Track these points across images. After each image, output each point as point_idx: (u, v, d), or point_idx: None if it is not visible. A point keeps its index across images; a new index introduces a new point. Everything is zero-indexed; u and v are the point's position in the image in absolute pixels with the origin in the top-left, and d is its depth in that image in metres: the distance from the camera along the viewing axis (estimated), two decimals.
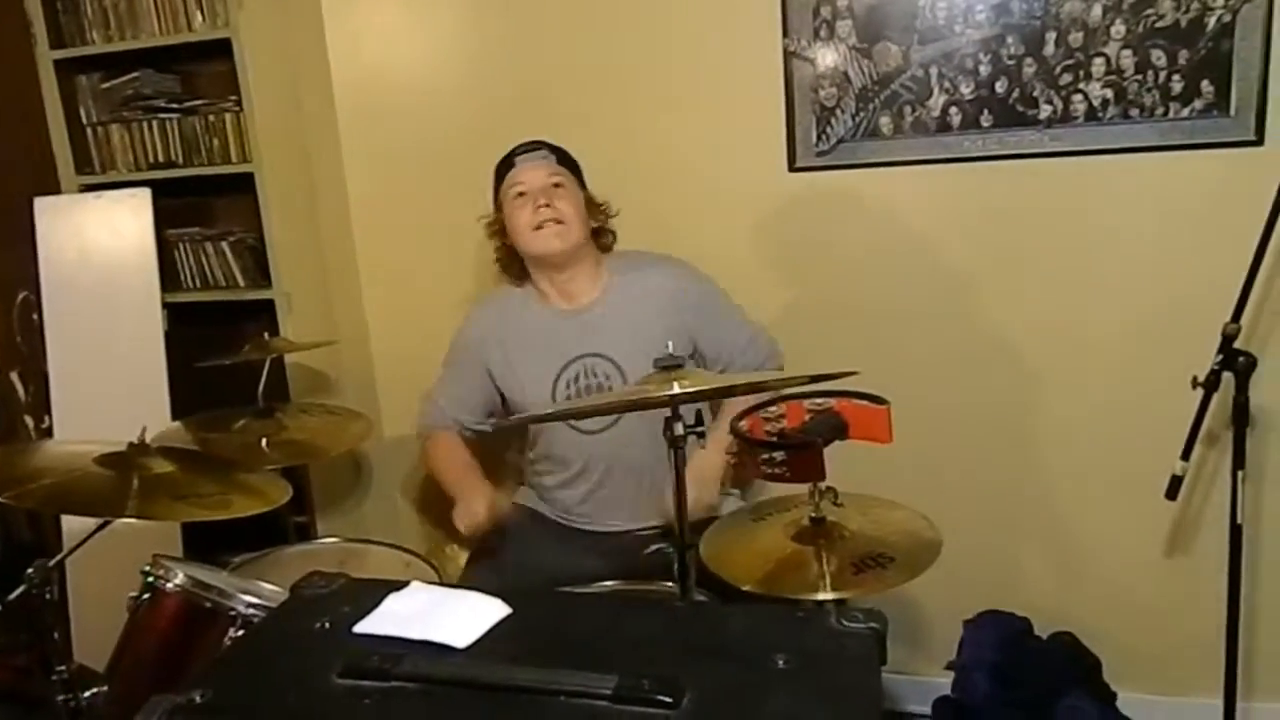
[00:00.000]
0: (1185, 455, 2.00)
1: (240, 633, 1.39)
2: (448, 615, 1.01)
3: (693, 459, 1.83)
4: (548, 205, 2.04)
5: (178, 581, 1.45)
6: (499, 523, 2.04)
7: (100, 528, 1.61)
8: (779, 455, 1.38)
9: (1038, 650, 2.32)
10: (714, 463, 1.99)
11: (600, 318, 2.12)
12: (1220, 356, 1.94)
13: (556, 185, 2.08)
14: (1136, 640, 2.37)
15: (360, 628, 1.02)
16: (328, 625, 1.02)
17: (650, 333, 1.93)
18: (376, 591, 1.07)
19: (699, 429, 1.34)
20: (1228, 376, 1.95)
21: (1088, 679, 2.29)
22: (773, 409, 1.52)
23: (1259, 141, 2.09)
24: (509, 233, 2.13)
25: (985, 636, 2.32)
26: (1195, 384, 1.97)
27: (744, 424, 1.50)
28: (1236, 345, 1.93)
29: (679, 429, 1.30)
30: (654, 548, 1.43)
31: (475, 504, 2.00)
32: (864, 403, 1.49)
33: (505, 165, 2.14)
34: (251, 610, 1.41)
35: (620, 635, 0.99)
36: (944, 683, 2.31)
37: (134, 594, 1.50)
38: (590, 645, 0.98)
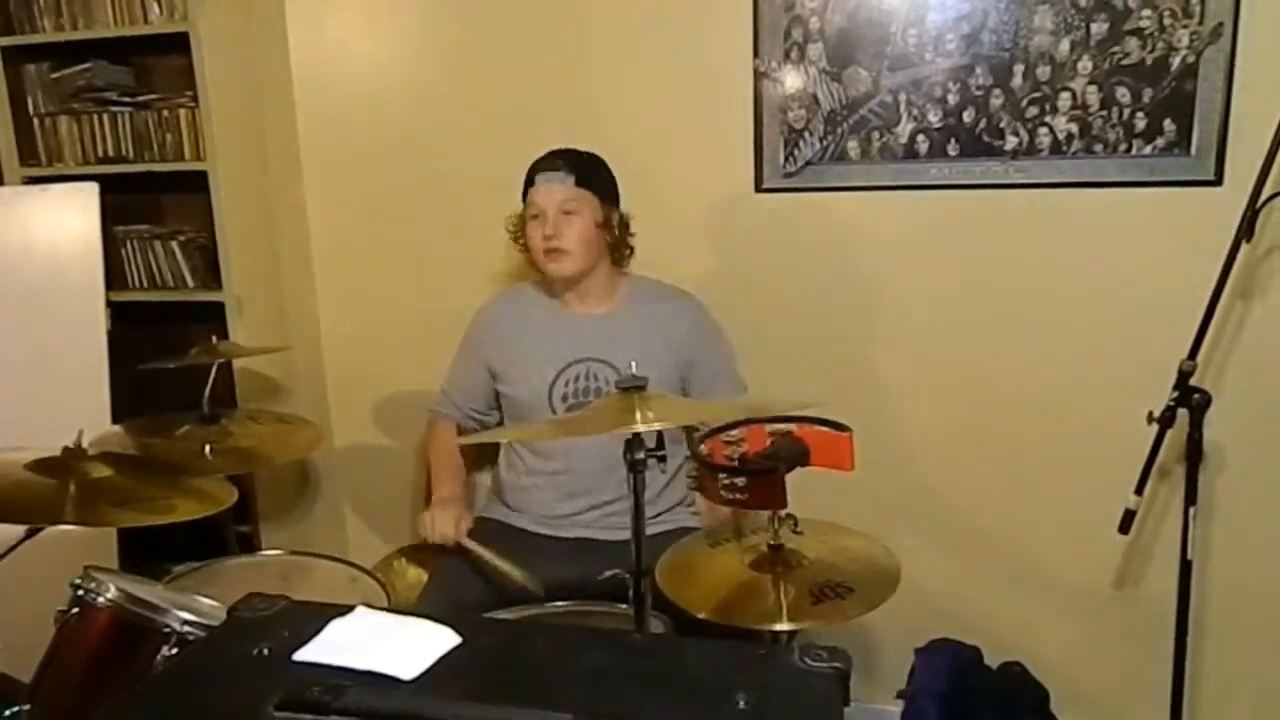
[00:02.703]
0: (1139, 490, 2.01)
1: (174, 651, 1.32)
2: (394, 644, 0.96)
3: None
4: (554, 236, 2.08)
5: (109, 596, 1.38)
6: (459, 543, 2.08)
7: (29, 535, 1.53)
8: (740, 481, 1.36)
9: (988, 681, 2.31)
10: None
11: (613, 326, 2.17)
12: (1176, 393, 1.96)
13: (568, 212, 2.09)
14: (1084, 671, 2.38)
15: (301, 655, 0.96)
16: (266, 651, 0.96)
17: (657, 353, 2.08)
18: (320, 616, 1.01)
19: (660, 453, 1.31)
20: (1182, 413, 1.97)
21: (1036, 710, 2.29)
22: (734, 433, 1.49)
23: (1218, 181, 2.12)
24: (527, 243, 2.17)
25: (937, 665, 2.30)
26: (1151, 419, 1.98)
27: (704, 448, 1.47)
28: (1192, 382, 1.94)
29: (640, 453, 1.27)
30: (609, 573, 1.39)
31: (445, 525, 2.08)
32: (825, 429, 1.47)
33: (529, 179, 2.15)
34: (188, 628, 1.34)
35: (574, 668, 0.95)
36: (893, 711, 2.29)
37: (62, 608, 1.42)
38: (543, 679, 0.93)
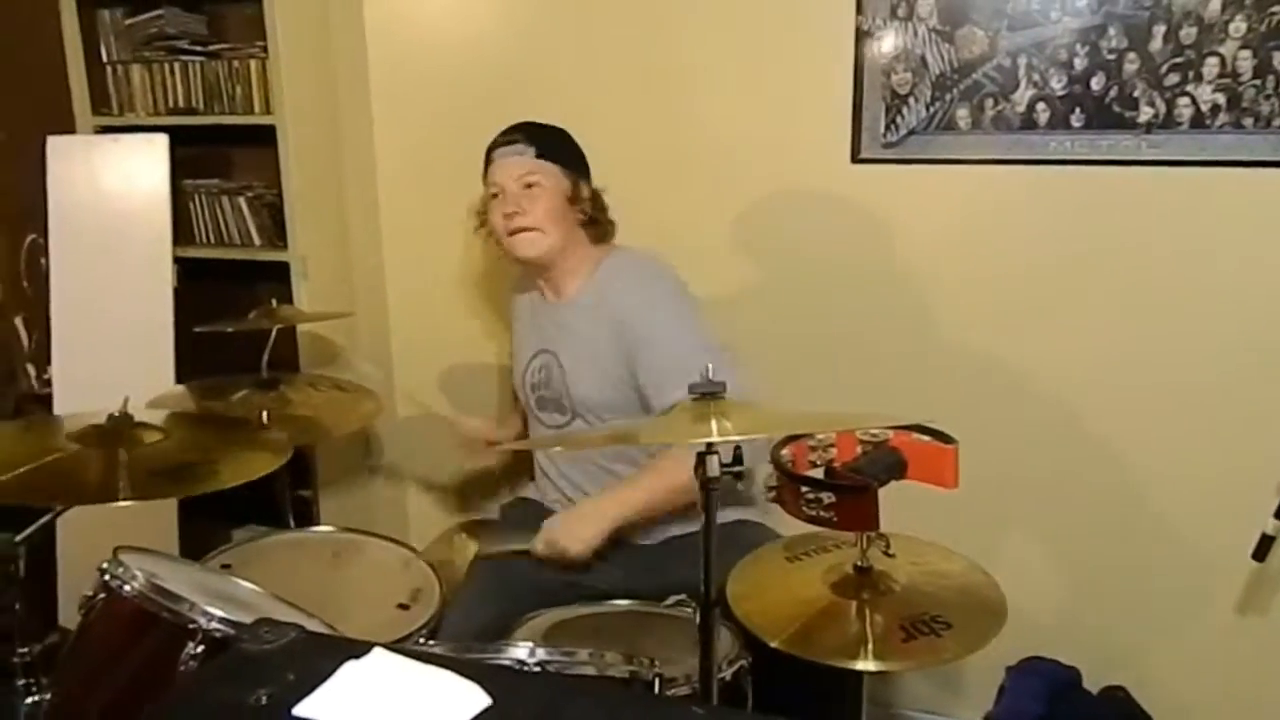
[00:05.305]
0: (1279, 513, 1.78)
1: (200, 649, 1.22)
2: (412, 702, 0.82)
3: (586, 500, 1.88)
4: (517, 212, 1.91)
5: (136, 585, 1.29)
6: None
7: (59, 512, 1.47)
8: (826, 496, 1.19)
9: (1088, 706, 2.14)
10: (603, 513, 1.80)
11: (569, 317, 2.00)
12: None
13: (529, 186, 1.92)
14: (1195, 702, 2.16)
15: (302, 709, 0.82)
16: (264, 700, 0.82)
17: (598, 350, 1.91)
18: (332, 654, 0.88)
19: (737, 469, 1.15)
20: None
21: None
22: (821, 436, 1.32)
23: None
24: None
25: (1030, 686, 2.13)
26: None
27: (786, 452, 1.31)
28: None
29: (713, 467, 1.11)
30: (674, 599, 1.25)
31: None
32: (927, 439, 1.29)
33: (486, 158, 1.98)
34: (215, 625, 1.24)
35: None
36: None
37: (88, 593, 1.34)
38: None
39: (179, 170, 2.50)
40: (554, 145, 1.96)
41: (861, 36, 2.13)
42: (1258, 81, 1.91)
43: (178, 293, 2.48)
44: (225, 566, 1.82)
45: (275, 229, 2.52)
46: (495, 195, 1.95)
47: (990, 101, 2.08)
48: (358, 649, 0.90)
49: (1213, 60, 1.93)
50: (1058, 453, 2.19)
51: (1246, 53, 1.91)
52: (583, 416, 1.97)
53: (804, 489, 1.22)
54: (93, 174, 2.51)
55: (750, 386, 1.69)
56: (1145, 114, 1.98)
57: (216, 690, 0.87)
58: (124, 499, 1.40)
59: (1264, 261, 1.97)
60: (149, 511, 2.35)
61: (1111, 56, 1.98)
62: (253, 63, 2.42)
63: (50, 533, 2.17)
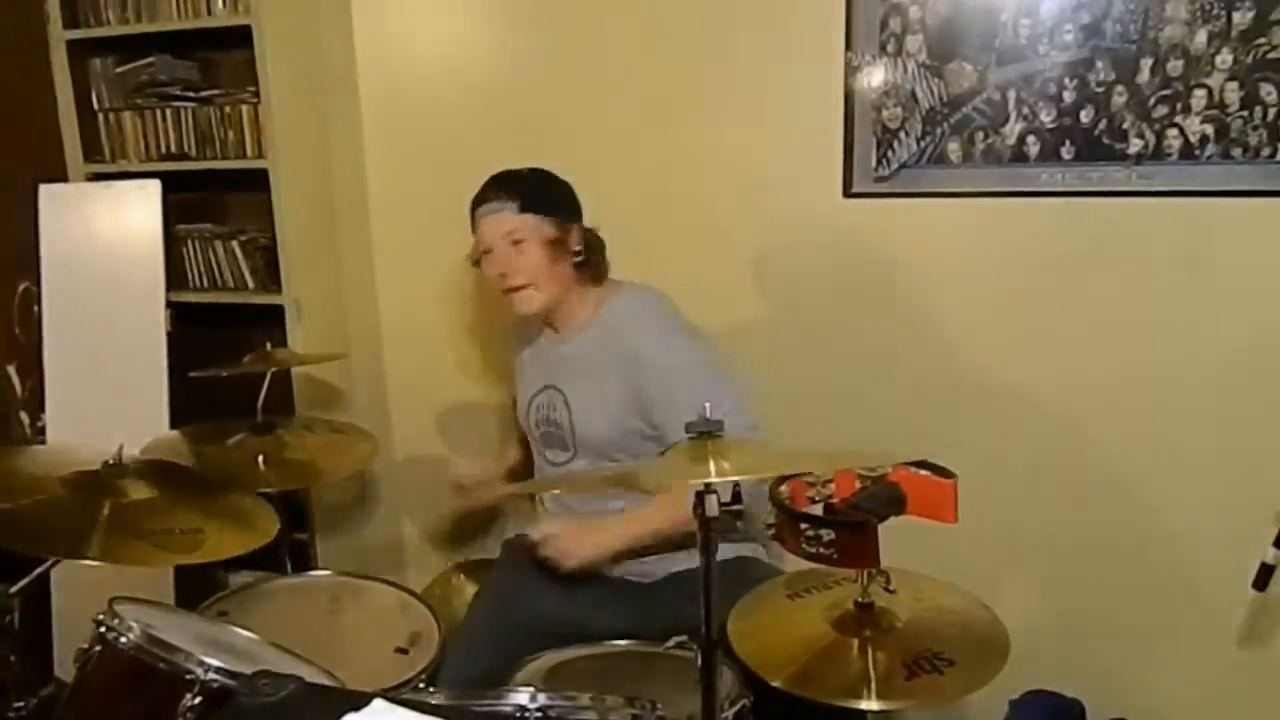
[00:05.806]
0: (1279, 542, 1.78)
1: (197, 700, 1.21)
2: None
3: (601, 521, 1.86)
4: (507, 273, 1.90)
5: (132, 636, 1.27)
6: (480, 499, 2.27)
7: (54, 564, 1.45)
8: (826, 534, 1.18)
9: None
10: (612, 535, 1.82)
11: (574, 351, 1.98)
12: None
13: (516, 243, 1.89)
14: None
15: None
16: None
17: (605, 386, 1.89)
18: (331, 707, 0.87)
19: (736, 507, 1.14)
20: None
21: None
22: (820, 473, 1.32)
23: None
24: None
25: (1033, 719, 2.11)
26: None
27: (784, 489, 1.30)
28: None
29: (712, 505, 1.10)
30: (675, 641, 1.24)
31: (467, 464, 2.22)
32: (926, 474, 1.29)
33: (471, 214, 1.96)
34: (212, 676, 1.23)
35: None
36: None
37: (84, 645, 1.32)
38: None
39: (172, 215, 2.50)
40: (537, 195, 1.91)
41: (852, 72, 2.15)
42: (1245, 112, 1.93)
43: (171, 337, 2.48)
44: (222, 613, 1.80)
45: (269, 272, 2.52)
46: (486, 252, 1.94)
47: (980, 135, 2.10)
48: (357, 701, 0.89)
49: (1200, 92, 1.95)
50: (1055, 482, 2.19)
51: (1233, 84, 1.93)
52: (585, 454, 1.96)
53: (803, 526, 1.21)
54: (85, 221, 2.51)
55: (760, 421, 1.78)
56: (1134, 145, 2.00)
57: None
58: (92, 557, 1.37)
59: (1255, 288, 1.98)
60: None
61: (1100, 89, 2.00)
62: (245, 108, 2.43)
63: (44, 582, 2.16)
